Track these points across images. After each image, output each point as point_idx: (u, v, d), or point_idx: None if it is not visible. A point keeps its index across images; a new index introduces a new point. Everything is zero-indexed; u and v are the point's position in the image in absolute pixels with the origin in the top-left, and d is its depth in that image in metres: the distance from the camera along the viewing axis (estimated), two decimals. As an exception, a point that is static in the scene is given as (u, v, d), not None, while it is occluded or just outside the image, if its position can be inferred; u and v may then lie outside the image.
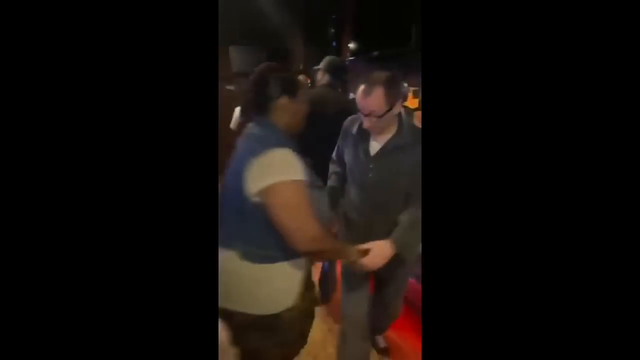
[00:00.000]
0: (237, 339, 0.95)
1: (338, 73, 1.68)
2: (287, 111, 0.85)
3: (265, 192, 0.77)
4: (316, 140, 1.56)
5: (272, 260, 0.86)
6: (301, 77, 2.35)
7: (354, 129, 1.13)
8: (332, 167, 1.33)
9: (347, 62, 1.98)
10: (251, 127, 0.87)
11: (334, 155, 1.32)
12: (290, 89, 0.84)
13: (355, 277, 1.23)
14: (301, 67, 3.31)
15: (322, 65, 1.70)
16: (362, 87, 0.99)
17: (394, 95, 0.98)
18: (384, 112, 0.98)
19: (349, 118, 1.22)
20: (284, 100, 0.84)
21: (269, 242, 0.84)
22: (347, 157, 1.19)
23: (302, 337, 1.00)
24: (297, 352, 1.02)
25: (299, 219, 0.77)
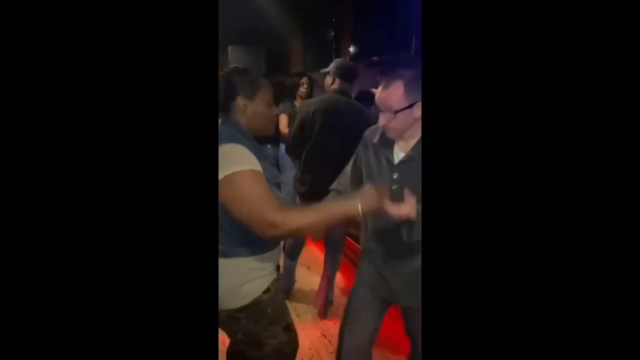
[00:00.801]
0: (229, 330, 0.97)
1: (348, 76, 1.59)
2: (244, 112, 0.90)
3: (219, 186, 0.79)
4: (329, 149, 1.52)
5: (229, 255, 0.89)
6: (303, 81, 2.34)
7: (376, 138, 1.06)
8: (335, 184, 1.21)
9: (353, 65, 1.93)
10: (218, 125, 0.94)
11: (347, 169, 1.19)
12: (248, 90, 0.89)
13: (365, 302, 1.14)
14: (301, 70, 3.31)
15: (330, 68, 1.60)
16: (383, 82, 0.95)
17: (415, 93, 0.92)
18: (402, 108, 0.92)
19: (370, 128, 1.14)
20: (240, 101, 0.89)
21: (224, 238, 0.87)
22: (366, 167, 1.10)
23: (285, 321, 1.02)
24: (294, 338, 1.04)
25: (254, 206, 0.77)
